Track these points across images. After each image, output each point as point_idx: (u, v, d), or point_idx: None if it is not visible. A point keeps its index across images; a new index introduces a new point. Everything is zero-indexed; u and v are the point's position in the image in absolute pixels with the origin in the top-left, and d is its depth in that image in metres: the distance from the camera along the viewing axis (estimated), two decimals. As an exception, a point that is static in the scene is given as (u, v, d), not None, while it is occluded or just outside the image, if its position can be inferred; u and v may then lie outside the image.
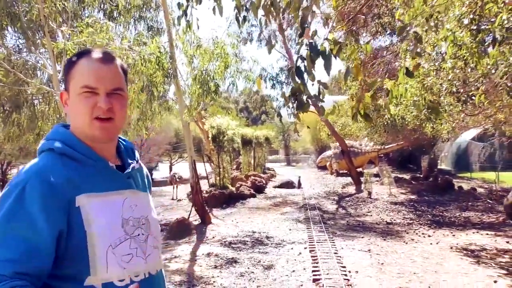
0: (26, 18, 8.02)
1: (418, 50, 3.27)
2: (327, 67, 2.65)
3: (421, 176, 20.09)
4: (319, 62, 3.22)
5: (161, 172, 33.50)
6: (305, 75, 3.28)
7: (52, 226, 1.15)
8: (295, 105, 3.58)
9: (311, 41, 2.88)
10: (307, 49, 3.09)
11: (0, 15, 8.08)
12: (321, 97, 3.46)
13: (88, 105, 1.27)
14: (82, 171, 1.28)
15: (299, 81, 3.28)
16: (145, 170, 1.62)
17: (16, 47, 10.79)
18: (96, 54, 1.34)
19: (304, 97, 3.50)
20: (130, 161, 1.48)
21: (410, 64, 3.26)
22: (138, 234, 1.33)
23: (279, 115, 4.54)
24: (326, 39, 2.91)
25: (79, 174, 1.26)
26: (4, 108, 11.06)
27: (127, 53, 7.85)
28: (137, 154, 1.56)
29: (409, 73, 2.79)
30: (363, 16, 12.35)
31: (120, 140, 1.53)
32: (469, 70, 6.80)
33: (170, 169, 31.20)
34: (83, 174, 1.27)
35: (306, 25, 2.92)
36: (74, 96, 1.30)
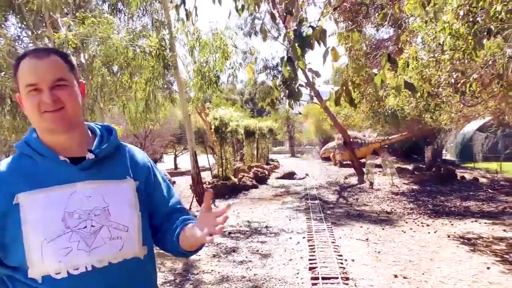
0: (26, 8, 8.09)
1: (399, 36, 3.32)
2: (301, 54, 2.71)
3: (424, 166, 20.08)
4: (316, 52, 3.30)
5: (166, 164, 33.63)
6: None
7: None
8: (286, 93, 3.66)
9: (295, 28, 2.94)
10: (293, 37, 3.15)
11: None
12: (312, 85, 3.53)
13: (34, 102, 1.33)
14: (31, 168, 1.36)
15: (289, 69, 3.33)
16: (136, 154, 1.58)
17: (17, 37, 10.90)
18: (32, 52, 1.38)
19: (295, 86, 3.56)
20: (92, 151, 1.42)
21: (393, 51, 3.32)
22: (85, 227, 1.31)
23: (273, 102, 4.61)
24: (310, 26, 2.95)
25: (27, 172, 1.35)
26: (11, 100, 11.18)
27: (127, 46, 7.92)
28: (113, 137, 1.51)
29: (391, 59, 2.85)
30: (365, 7, 12.35)
31: (96, 126, 1.53)
32: (466, 61, 6.82)
33: (175, 161, 31.28)
34: (30, 172, 1.35)
35: (290, 13, 2.98)
36: (23, 97, 1.36)
